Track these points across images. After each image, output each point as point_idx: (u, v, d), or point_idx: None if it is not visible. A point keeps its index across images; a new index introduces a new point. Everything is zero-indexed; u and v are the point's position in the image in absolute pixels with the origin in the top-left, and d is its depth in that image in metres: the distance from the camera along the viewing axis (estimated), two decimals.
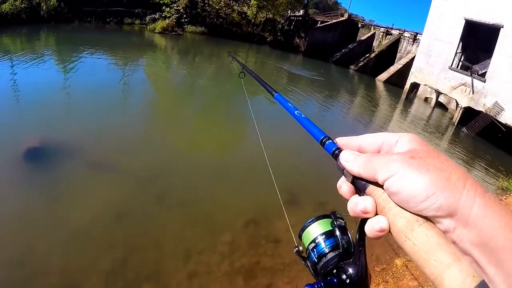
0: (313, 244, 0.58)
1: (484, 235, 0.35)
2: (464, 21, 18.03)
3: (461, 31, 18.38)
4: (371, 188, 0.46)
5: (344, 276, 0.52)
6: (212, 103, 13.48)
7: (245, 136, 10.34)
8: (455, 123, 17.55)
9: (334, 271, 0.53)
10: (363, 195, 0.47)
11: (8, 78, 11.29)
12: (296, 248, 0.62)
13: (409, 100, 22.09)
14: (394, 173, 0.42)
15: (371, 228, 0.44)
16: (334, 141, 0.54)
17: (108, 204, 5.51)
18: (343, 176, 0.50)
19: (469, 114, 16.83)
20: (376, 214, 0.45)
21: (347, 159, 0.49)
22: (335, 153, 0.52)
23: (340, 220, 0.58)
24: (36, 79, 11.78)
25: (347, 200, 0.49)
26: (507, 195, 8.71)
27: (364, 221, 0.46)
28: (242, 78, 1.66)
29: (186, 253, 4.80)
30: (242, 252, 4.95)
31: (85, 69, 14.47)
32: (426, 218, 0.40)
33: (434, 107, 20.78)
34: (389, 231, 0.43)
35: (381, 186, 0.44)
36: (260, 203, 6.00)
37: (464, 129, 16.39)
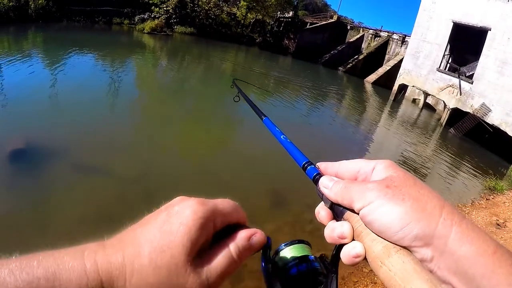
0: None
1: (462, 263, 0.35)
2: (452, 23, 18.30)
3: (449, 33, 18.64)
4: (348, 213, 0.45)
5: None
6: (199, 105, 13.34)
7: (232, 139, 10.30)
8: (443, 124, 17.79)
9: None
10: (341, 220, 0.46)
11: None
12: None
13: (397, 102, 22.30)
14: (369, 202, 0.41)
15: (347, 254, 0.42)
16: (316, 166, 0.54)
17: (95, 207, 5.35)
18: (322, 202, 0.50)
19: (457, 115, 17.08)
20: (353, 239, 0.43)
21: (325, 185, 0.48)
22: (316, 178, 0.51)
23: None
24: (21, 78, 11.48)
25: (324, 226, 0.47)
26: (494, 195, 8.82)
27: (339, 247, 0.44)
28: (237, 101, 1.74)
29: None
30: None
31: (72, 69, 14.20)
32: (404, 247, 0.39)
33: (422, 108, 21.02)
34: (365, 258, 0.42)
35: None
36: (247, 205, 5.94)
37: (451, 130, 16.62)
